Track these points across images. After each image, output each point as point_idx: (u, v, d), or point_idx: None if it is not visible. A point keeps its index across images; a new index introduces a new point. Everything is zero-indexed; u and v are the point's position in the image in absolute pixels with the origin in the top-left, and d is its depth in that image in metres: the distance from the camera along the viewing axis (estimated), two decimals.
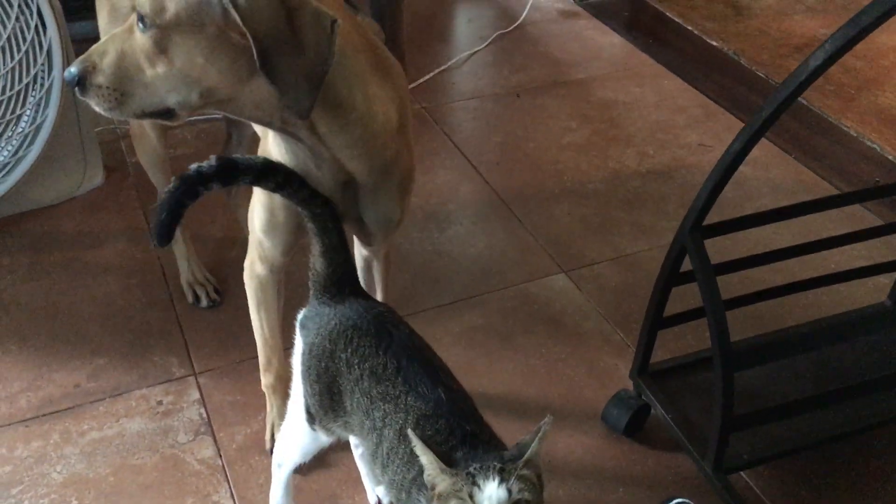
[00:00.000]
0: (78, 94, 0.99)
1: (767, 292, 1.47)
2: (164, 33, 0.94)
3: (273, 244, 1.28)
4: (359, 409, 1.09)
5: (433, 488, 0.96)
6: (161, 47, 0.95)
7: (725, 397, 1.27)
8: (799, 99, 2.63)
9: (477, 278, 1.90)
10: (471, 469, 0.94)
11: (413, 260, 1.94)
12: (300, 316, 1.19)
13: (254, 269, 1.34)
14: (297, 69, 0.93)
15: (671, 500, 0.64)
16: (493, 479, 0.92)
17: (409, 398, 1.05)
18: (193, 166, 1.03)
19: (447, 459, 0.97)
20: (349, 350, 1.09)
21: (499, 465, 0.93)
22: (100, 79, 0.98)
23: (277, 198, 1.18)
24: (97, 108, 1.00)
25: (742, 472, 1.46)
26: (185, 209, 1.05)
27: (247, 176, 1.07)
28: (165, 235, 1.04)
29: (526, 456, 0.95)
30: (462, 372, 1.65)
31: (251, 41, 0.90)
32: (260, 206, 1.25)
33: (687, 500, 0.65)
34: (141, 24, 0.96)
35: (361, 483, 1.44)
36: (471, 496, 0.92)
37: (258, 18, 0.91)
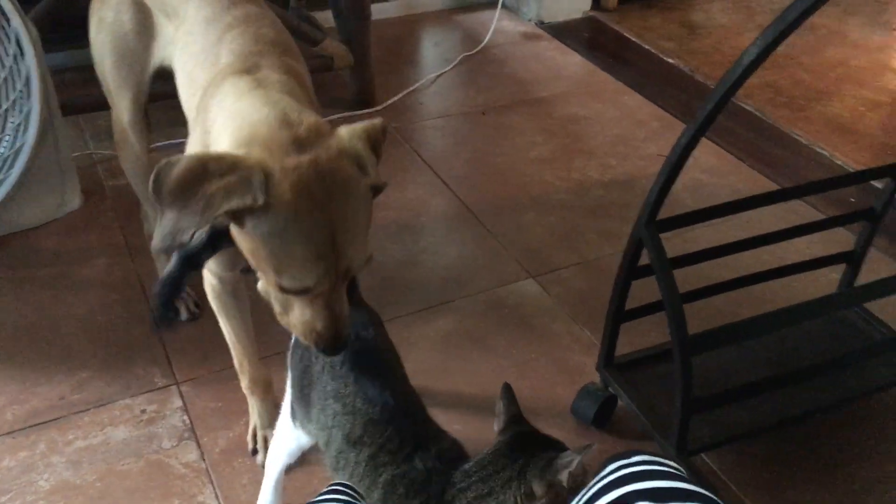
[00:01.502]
0: None
1: (723, 285, 1.55)
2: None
3: (215, 262, 1.31)
4: (317, 403, 1.11)
5: None
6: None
7: (685, 381, 1.34)
8: (753, 110, 2.74)
9: (449, 285, 1.97)
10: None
11: (388, 269, 2.01)
12: (292, 342, 1.21)
13: (209, 279, 1.38)
14: None
15: (631, 454, 0.68)
16: None
17: (357, 400, 1.06)
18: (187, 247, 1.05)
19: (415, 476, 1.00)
20: (317, 365, 1.11)
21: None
22: None
23: None
24: None
25: (705, 456, 1.54)
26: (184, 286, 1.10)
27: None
28: (167, 319, 1.12)
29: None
30: (437, 374, 1.73)
31: None
32: None
33: (643, 451, 0.71)
34: None
35: None
36: None
37: None
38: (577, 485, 0.89)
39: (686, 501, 0.62)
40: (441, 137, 2.59)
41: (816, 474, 1.53)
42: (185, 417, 1.62)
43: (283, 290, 1.01)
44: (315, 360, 1.12)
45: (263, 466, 1.50)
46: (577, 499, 0.72)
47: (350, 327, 1.08)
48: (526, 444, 1.01)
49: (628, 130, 2.62)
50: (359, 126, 1.05)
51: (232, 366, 1.52)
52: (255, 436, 1.55)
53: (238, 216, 0.98)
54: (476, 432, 1.59)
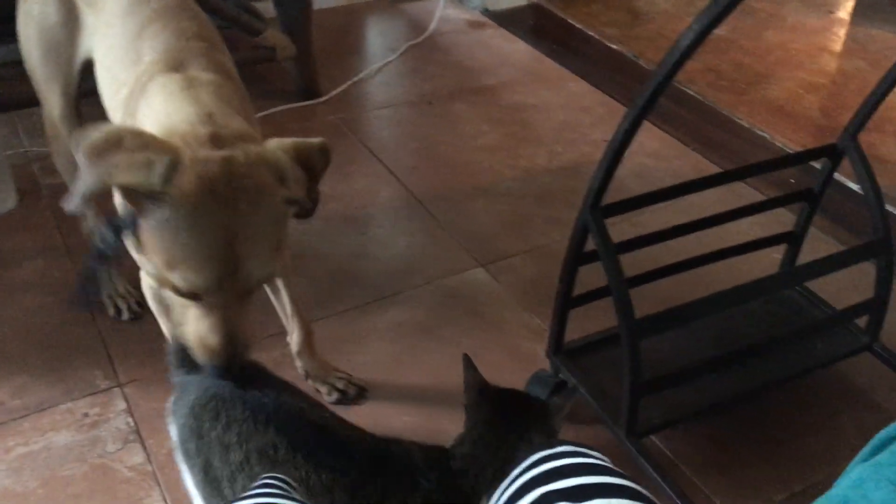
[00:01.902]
0: None
1: (668, 268, 1.57)
2: None
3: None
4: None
5: None
6: None
7: (633, 365, 1.35)
8: (695, 94, 2.76)
9: (399, 276, 1.96)
10: None
11: (335, 262, 1.99)
12: (169, 405, 1.09)
13: (146, 281, 1.34)
14: None
15: (556, 444, 0.68)
16: None
17: (322, 475, 0.95)
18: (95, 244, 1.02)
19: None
20: (219, 427, 0.98)
21: None
22: None
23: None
24: None
25: (655, 437, 1.55)
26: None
27: None
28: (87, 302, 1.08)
29: None
30: (388, 366, 1.72)
31: None
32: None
33: (568, 442, 0.70)
34: None
35: None
36: None
37: None
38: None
39: (606, 497, 0.61)
40: (388, 127, 2.57)
41: (764, 451, 1.55)
42: (130, 420, 1.58)
43: (174, 289, 0.98)
44: (226, 452, 0.96)
45: None
46: (496, 495, 0.71)
47: (247, 351, 1.02)
48: (508, 406, 1.07)
49: (574, 117, 2.63)
50: (290, 140, 1.02)
51: None
52: None
53: (136, 198, 0.95)
54: (429, 422, 1.58)
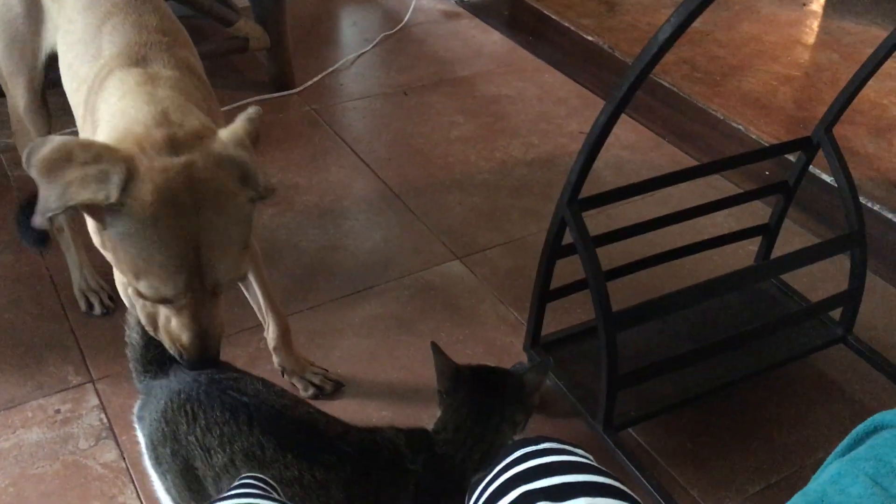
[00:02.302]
0: None
1: (645, 261, 1.57)
2: None
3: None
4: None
5: None
6: None
7: (610, 359, 1.35)
8: (670, 85, 2.76)
9: (374, 269, 1.95)
10: None
11: (309, 255, 1.97)
12: (135, 411, 1.07)
13: (119, 277, 1.31)
14: None
15: (540, 440, 0.68)
16: None
17: (316, 473, 0.95)
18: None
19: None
20: (197, 430, 0.97)
21: None
22: None
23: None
24: None
25: (631, 430, 1.56)
26: None
27: None
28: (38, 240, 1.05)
29: None
30: (364, 360, 1.71)
31: None
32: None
33: (552, 439, 0.70)
34: None
35: None
36: None
37: None
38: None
39: (590, 496, 0.61)
40: (362, 119, 2.55)
41: (739, 443, 1.56)
42: (103, 416, 1.56)
43: (141, 296, 0.97)
44: (208, 455, 0.95)
45: None
46: (479, 489, 0.70)
47: (220, 343, 1.01)
48: (484, 386, 1.09)
49: (550, 108, 2.63)
50: (238, 127, 1.00)
51: None
52: None
53: (95, 211, 0.93)
54: (406, 417, 1.58)
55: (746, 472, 1.51)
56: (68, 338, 1.71)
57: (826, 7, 3.37)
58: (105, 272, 1.83)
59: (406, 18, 3.10)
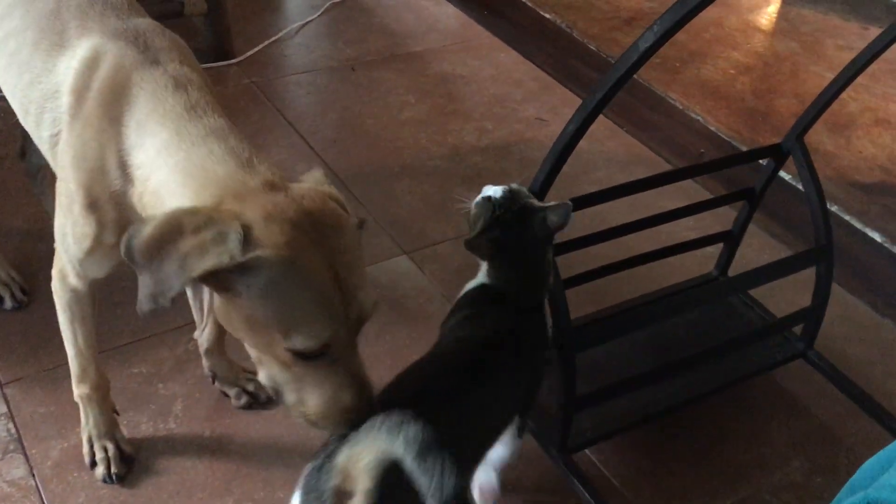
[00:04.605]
0: None
1: (605, 269, 1.48)
2: None
3: (95, 268, 1.14)
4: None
5: None
6: None
7: (567, 380, 1.27)
8: None
9: None
10: None
11: None
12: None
13: (66, 281, 1.19)
14: None
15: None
16: None
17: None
18: None
19: None
20: None
21: None
22: None
23: (106, 210, 1.05)
24: None
25: (587, 450, 1.48)
26: None
27: None
28: None
29: None
30: None
31: None
32: (80, 221, 1.08)
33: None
34: None
35: (195, 495, 1.34)
36: None
37: None
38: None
39: None
40: (307, 95, 2.40)
41: (694, 460, 1.50)
42: (11, 426, 1.42)
43: (297, 354, 0.88)
44: None
45: (104, 480, 1.33)
46: None
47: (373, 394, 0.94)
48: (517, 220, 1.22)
49: (505, 90, 2.51)
50: (313, 175, 1.00)
51: (66, 363, 1.33)
52: (91, 448, 1.36)
53: (224, 281, 0.86)
54: None
55: (701, 493, 1.45)
56: None
57: None
58: (17, 262, 1.67)
59: None
